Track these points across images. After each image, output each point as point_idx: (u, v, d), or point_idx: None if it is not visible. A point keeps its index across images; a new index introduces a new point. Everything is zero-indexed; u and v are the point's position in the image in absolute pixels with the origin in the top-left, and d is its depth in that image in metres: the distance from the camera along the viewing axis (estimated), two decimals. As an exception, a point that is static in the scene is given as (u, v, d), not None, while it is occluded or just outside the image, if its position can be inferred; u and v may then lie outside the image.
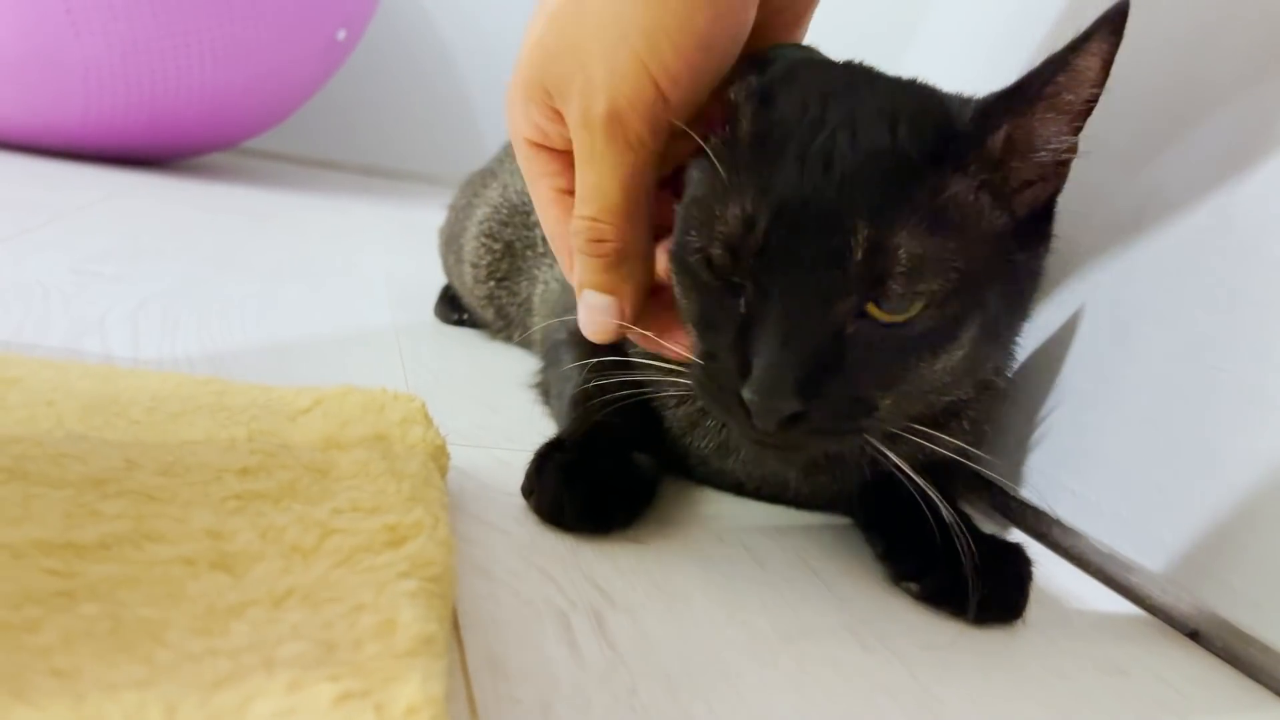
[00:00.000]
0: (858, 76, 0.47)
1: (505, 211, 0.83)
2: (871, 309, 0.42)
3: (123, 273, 0.89)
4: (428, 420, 0.50)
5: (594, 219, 0.45)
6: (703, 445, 0.55)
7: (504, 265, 0.82)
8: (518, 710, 0.33)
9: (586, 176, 0.44)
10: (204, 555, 0.34)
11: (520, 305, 0.82)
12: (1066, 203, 0.60)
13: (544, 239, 0.79)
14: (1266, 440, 0.45)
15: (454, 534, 0.40)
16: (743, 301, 0.43)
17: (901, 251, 0.41)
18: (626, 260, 0.46)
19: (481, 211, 0.86)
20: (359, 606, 0.32)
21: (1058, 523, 0.58)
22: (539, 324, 0.75)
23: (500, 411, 0.66)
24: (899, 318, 0.42)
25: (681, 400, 0.54)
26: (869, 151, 0.42)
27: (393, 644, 0.30)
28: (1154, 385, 0.52)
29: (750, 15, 0.44)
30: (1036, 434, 0.60)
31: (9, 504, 0.35)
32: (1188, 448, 0.49)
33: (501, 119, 0.92)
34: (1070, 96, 0.43)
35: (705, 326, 0.45)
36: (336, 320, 0.87)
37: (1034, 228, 0.47)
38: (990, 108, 0.44)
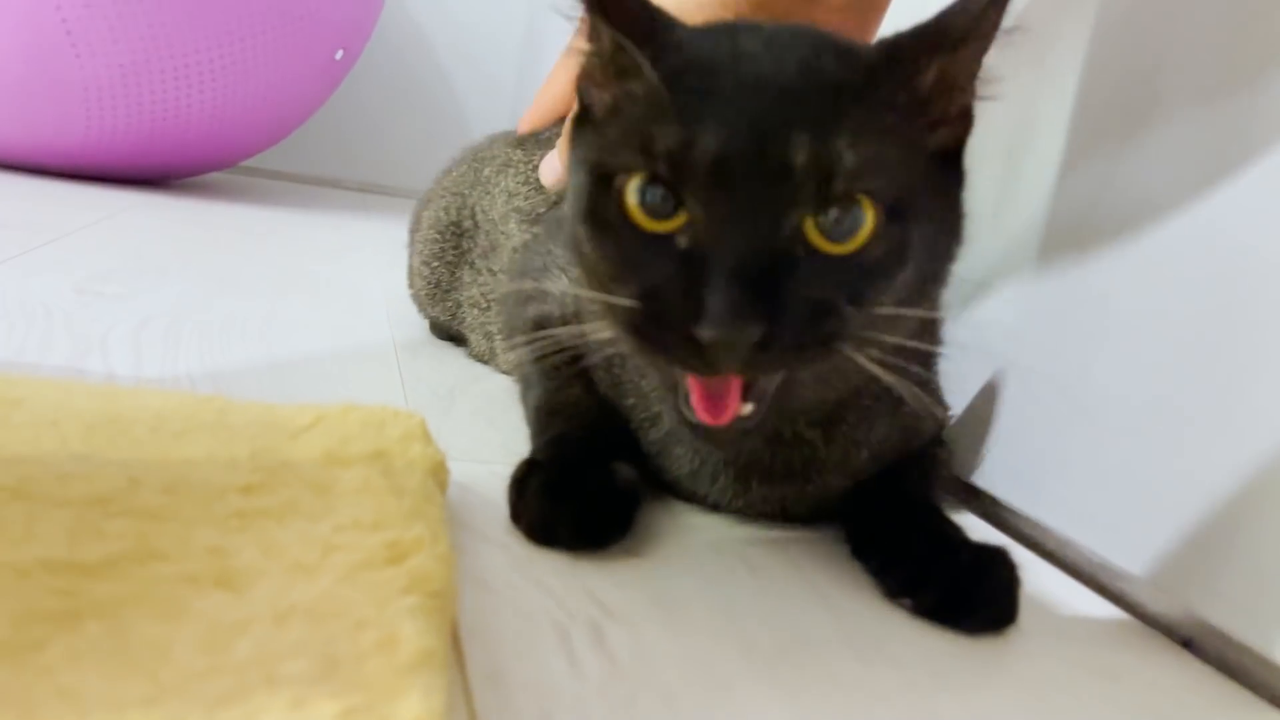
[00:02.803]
0: (753, 25, 0.47)
1: (438, 240, 0.86)
2: (816, 239, 0.41)
3: (125, 292, 0.90)
4: (427, 436, 0.50)
5: (542, 95, 0.58)
6: (675, 469, 0.55)
7: (453, 293, 0.85)
8: (517, 723, 0.33)
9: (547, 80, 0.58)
10: (207, 573, 0.35)
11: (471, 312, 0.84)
12: (1056, 211, 0.61)
13: (480, 255, 0.81)
14: (1252, 447, 0.46)
15: (454, 549, 0.41)
16: (684, 237, 0.41)
17: (846, 152, 0.40)
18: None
19: (421, 250, 0.89)
20: (360, 622, 0.33)
21: (1050, 531, 0.58)
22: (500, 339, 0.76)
23: (499, 426, 0.66)
24: (847, 248, 0.41)
25: (653, 423, 0.54)
26: (799, 72, 0.42)
27: (394, 659, 0.31)
28: (1142, 393, 0.52)
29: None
30: (1026, 443, 0.60)
31: (13, 524, 0.36)
32: (1177, 455, 0.50)
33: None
34: (982, 43, 0.43)
35: (634, 272, 0.42)
36: (337, 337, 0.87)
37: (948, 170, 0.47)
38: (919, 44, 0.43)
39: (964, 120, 0.47)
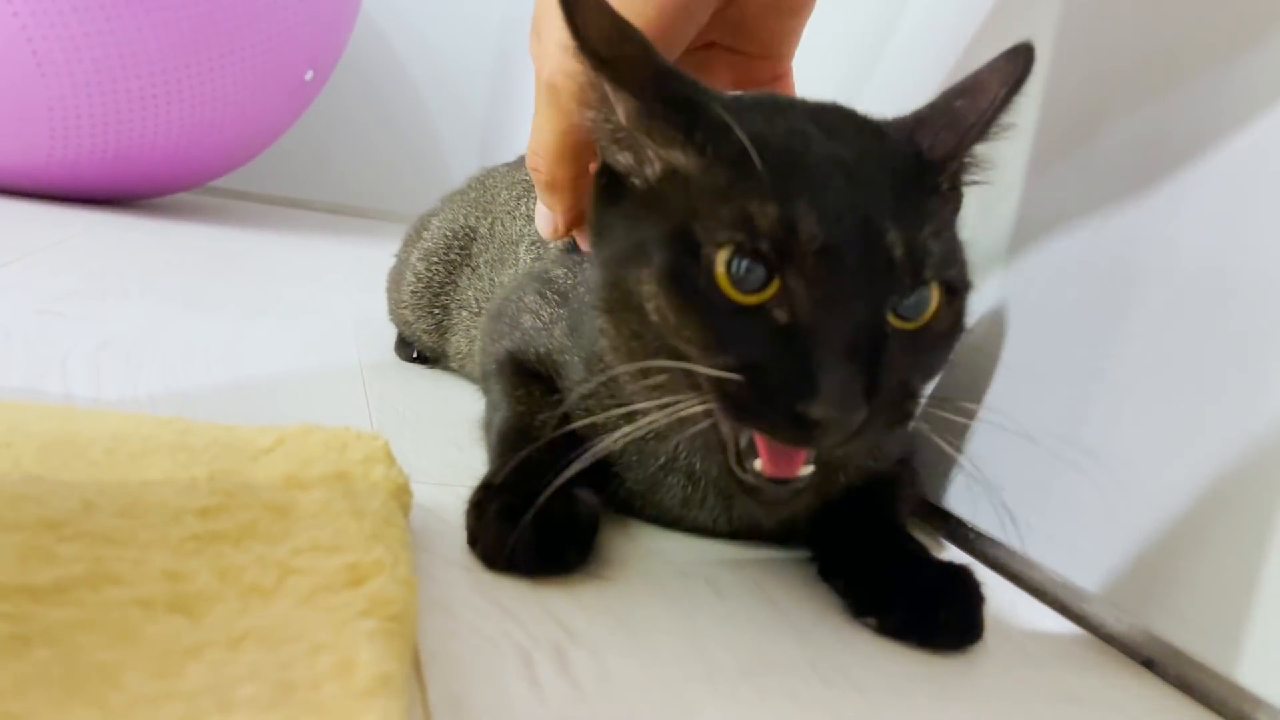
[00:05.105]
0: (784, 99, 0.49)
1: (446, 239, 0.89)
2: (892, 317, 0.42)
3: (87, 312, 0.88)
4: (390, 458, 0.50)
5: (533, 153, 0.53)
6: (667, 499, 0.54)
7: (442, 297, 0.87)
8: (477, 748, 0.33)
9: (534, 119, 0.53)
10: (161, 597, 0.34)
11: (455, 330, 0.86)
12: (1016, 244, 0.62)
13: (486, 263, 0.83)
14: (1205, 470, 0.47)
15: (416, 572, 0.41)
16: (781, 311, 0.41)
17: (931, 244, 0.43)
18: (556, 189, 0.53)
19: (423, 247, 0.91)
20: (318, 646, 0.32)
21: (1014, 552, 0.59)
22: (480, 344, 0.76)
23: (465, 449, 0.66)
24: (915, 324, 0.43)
25: (639, 462, 0.53)
26: (868, 157, 0.44)
27: (351, 684, 0.30)
28: (1102, 414, 0.53)
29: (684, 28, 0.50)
30: (992, 467, 0.60)
31: (-37, 547, 0.35)
32: (1136, 479, 0.51)
33: (466, 158, 0.94)
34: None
35: (727, 343, 0.42)
36: (303, 358, 0.87)
37: None
38: (960, 133, 0.46)
39: (958, 196, 0.49)
